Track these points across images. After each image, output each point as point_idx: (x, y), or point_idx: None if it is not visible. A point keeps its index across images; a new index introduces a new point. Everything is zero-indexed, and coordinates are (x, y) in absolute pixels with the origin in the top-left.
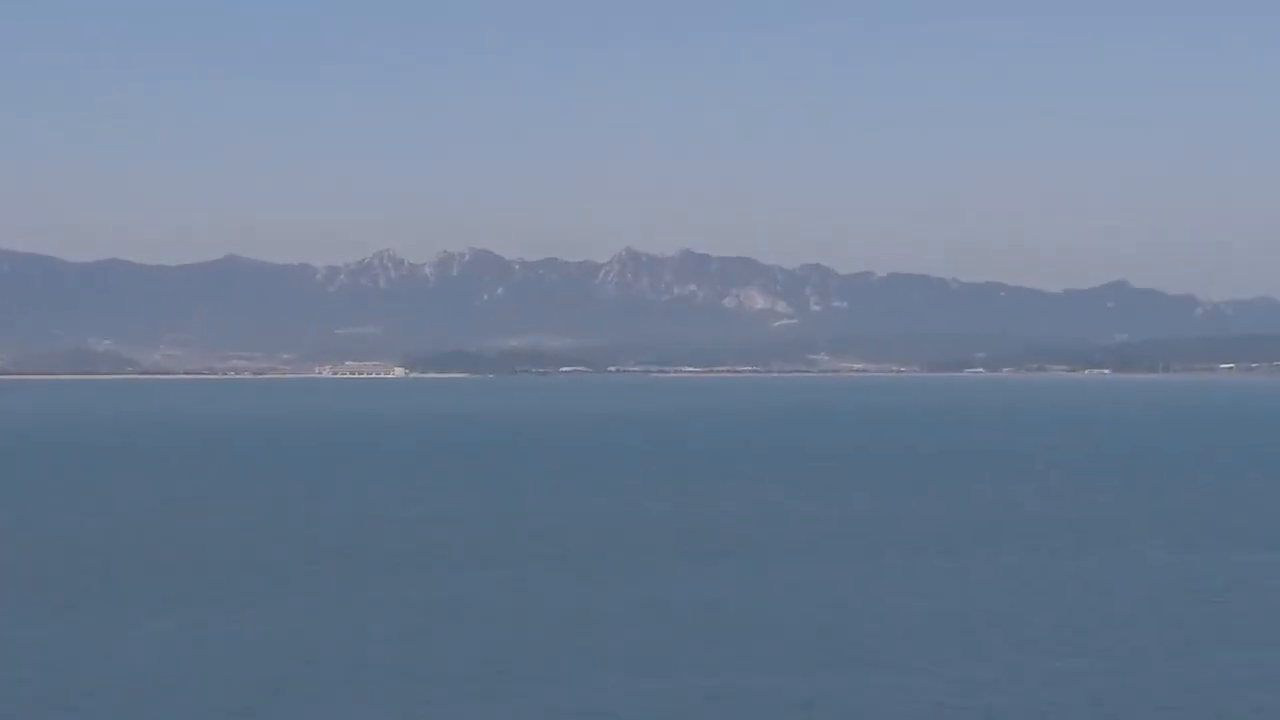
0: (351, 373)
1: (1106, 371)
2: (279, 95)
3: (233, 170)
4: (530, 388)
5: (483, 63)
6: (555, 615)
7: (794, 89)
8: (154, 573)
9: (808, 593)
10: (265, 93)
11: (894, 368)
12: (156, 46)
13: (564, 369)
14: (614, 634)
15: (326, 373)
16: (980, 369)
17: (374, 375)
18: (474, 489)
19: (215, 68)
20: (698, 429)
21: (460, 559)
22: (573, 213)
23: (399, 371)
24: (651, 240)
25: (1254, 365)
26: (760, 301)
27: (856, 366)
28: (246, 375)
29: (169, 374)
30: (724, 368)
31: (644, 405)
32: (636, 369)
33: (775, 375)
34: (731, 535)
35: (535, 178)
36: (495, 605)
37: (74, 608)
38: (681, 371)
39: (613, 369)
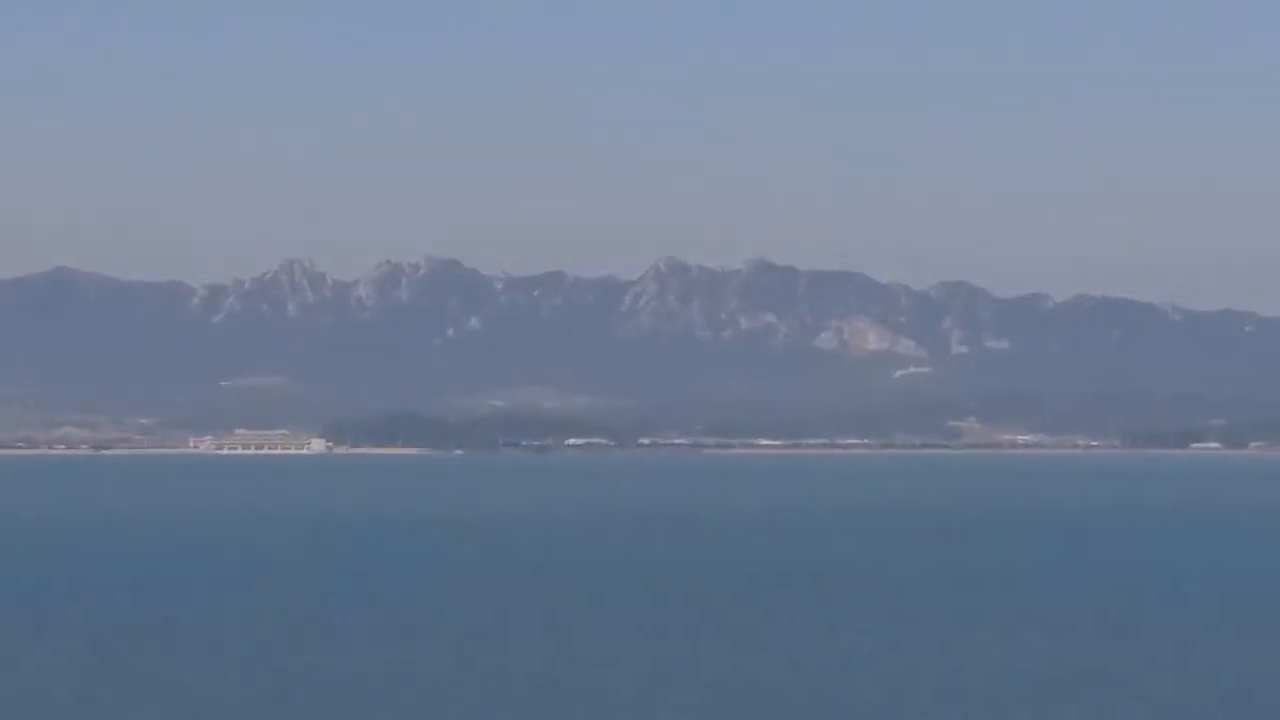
0: (245, 446)
1: None
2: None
3: (64, 145)
4: (519, 472)
5: None
6: None
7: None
8: None
9: None
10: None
11: (1079, 441)
12: None
13: (571, 441)
14: None
15: (206, 446)
16: (1215, 443)
17: (278, 450)
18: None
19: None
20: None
21: None
22: (586, 204)
23: (317, 445)
24: (706, 246)
25: None
26: (874, 339)
27: (1022, 439)
28: (83, 449)
29: None
30: (817, 440)
31: (709, 503)
32: (682, 442)
33: (899, 451)
34: None
35: (526, 151)
36: None
37: None
38: (753, 447)
39: (645, 441)
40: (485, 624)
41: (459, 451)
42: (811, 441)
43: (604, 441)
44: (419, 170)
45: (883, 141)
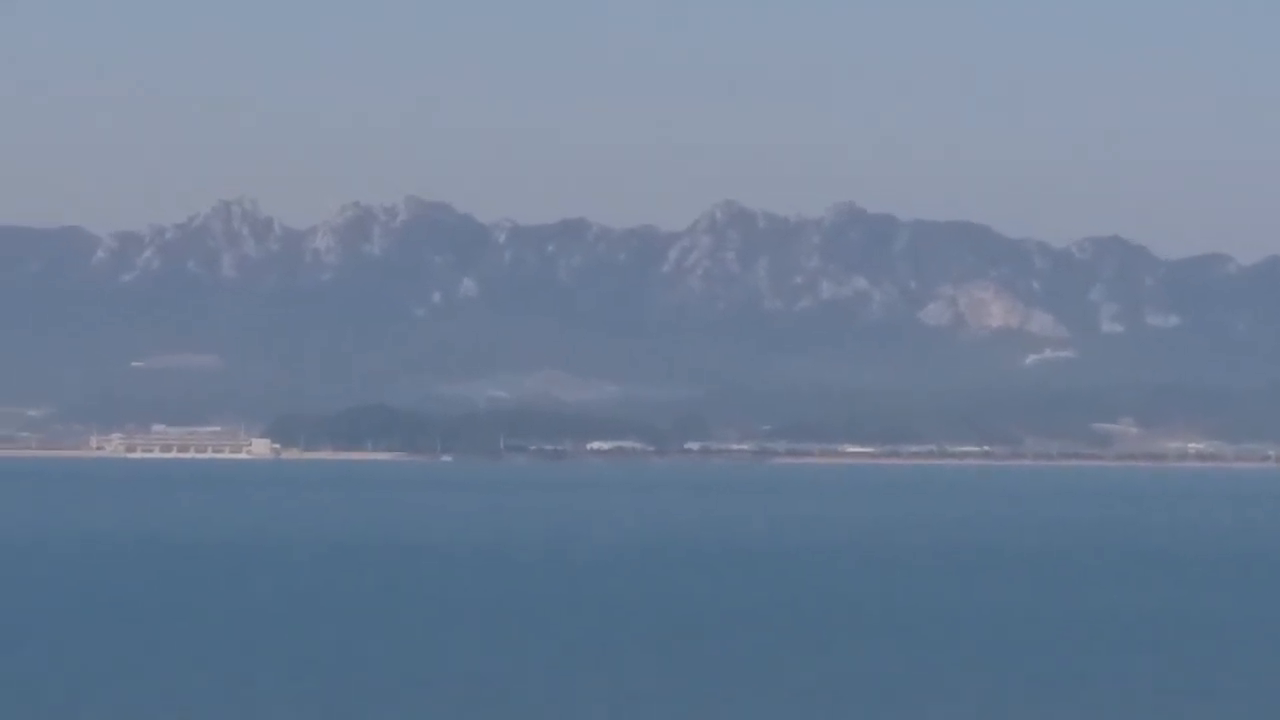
0: (165, 448)
1: None
2: None
3: None
4: (527, 485)
5: None
6: None
7: None
8: None
9: None
10: None
11: (1270, 452)
12: None
13: (596, 445)
14: None
15: (114, 447)
16: None
17: (209, 453)
18: None
19: None
20: None
21: None
22: (617, 131)
23: (260, 447)
24: (776, 186)
25: None
26: (999, 312)
27: (1194, 447)
28: None
29: None
30: (922, 448)
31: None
32: (744, 448)
33: (1030, 463)
34: None
35: (537, 61)
36: None
37: None
38: (837, 454)
39: (694, 446)
40: None
41: (447, 458)
42: (915, 449)
43: (639, 446)
44: (396, 85)
45: (1006, 53)
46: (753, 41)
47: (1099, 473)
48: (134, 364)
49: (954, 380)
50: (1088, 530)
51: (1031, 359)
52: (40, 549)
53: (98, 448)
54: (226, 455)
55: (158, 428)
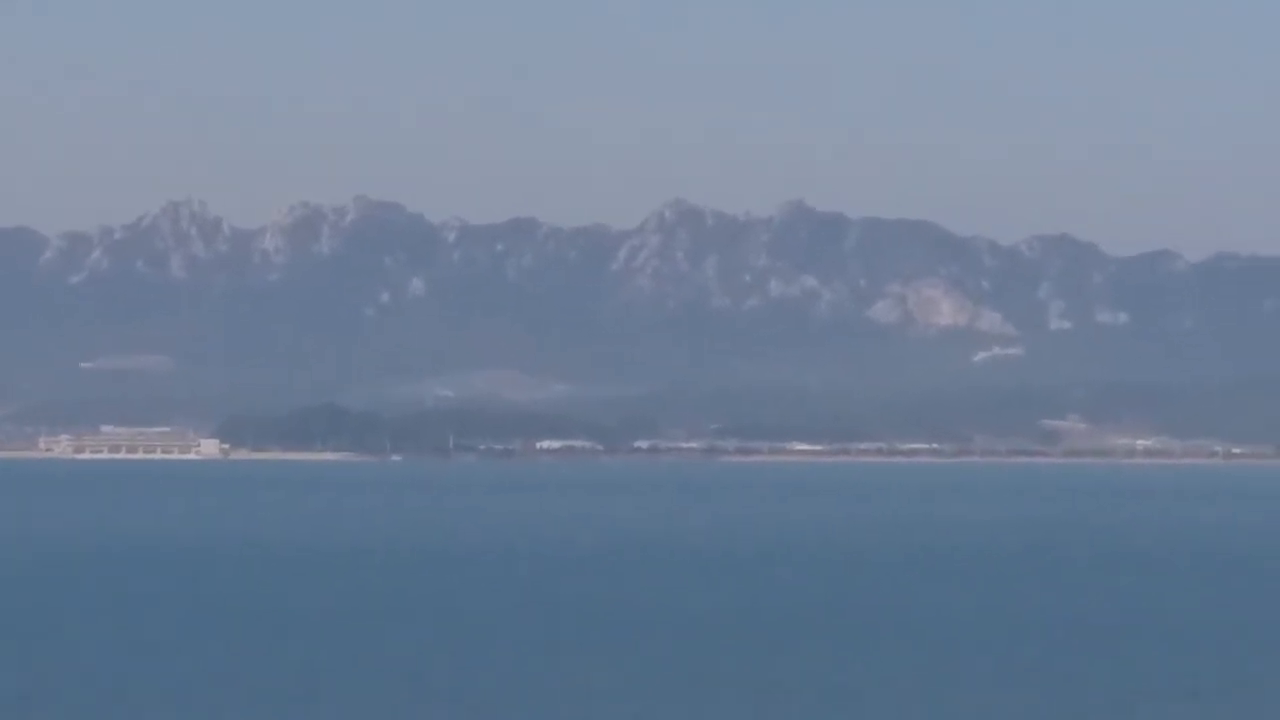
0: (114, 449)
1: None
2: None
3: None
4: (477, 484)
5: None
6: None
7: None
8: None
9: None
10: None
11: (1217, 448)
12: None
13: (546, 444)
14: None
15: (62, 448)
16: None
17: (158, 454)
18: None
19: None
20: None
21: None
22: (566, 128)
23: (209, 447)
24: (725, 187)
25: None
26: (948, 310)
27: (1142, 443)
28: None
29: None
30: (870, 445)
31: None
32: (693, 445)
33: (978, 460)
34: None
35: (489, 56)
36: None
37: None
38: (786, 452)
39: (643, 445)
40: None
41: (396, 457)
42: (864, 446)
43: (588, 445)
44: (345, 82)
45: (954, 52)
46: (701, 40)
47: (1047, 470)
48: (83, 365)
49: (903, 378)
50: (1041, 529)
51: (980, 356)
52: None
53: (46, 449)
54: (175, 456)
55: (106, 428)
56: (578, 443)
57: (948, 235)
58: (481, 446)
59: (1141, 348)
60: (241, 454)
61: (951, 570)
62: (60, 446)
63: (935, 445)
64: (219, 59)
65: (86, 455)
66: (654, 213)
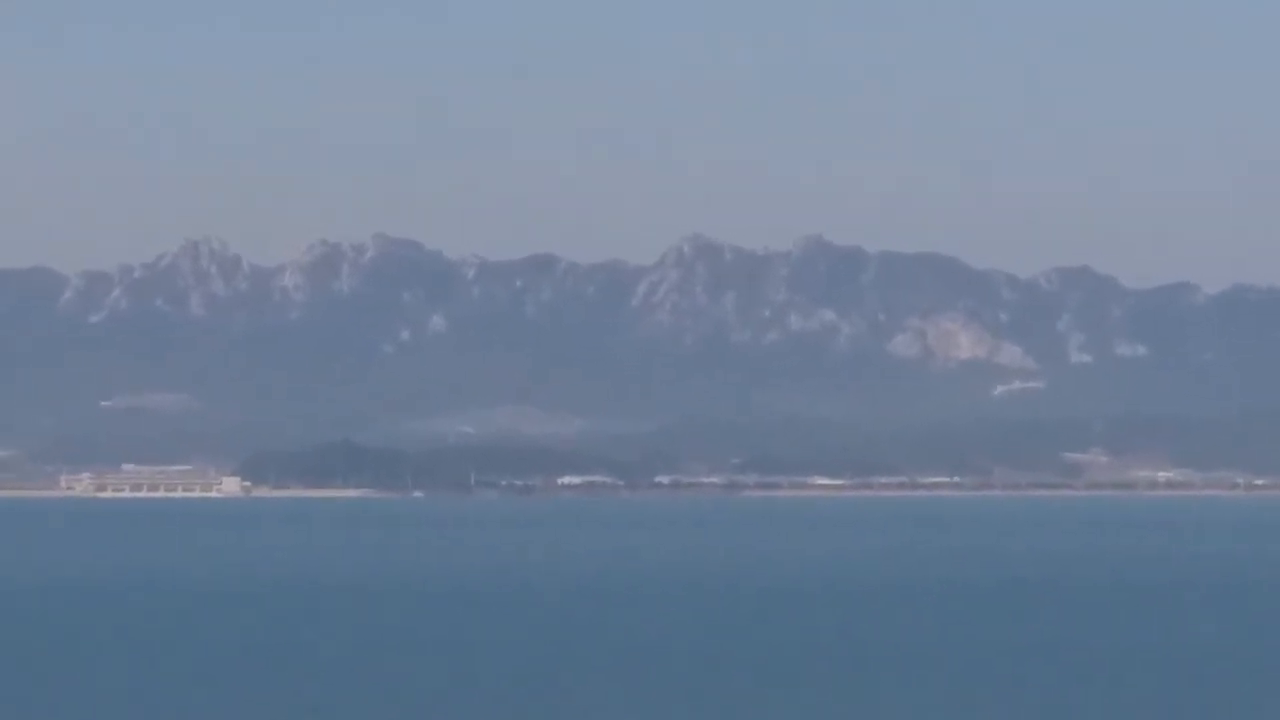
0: (135, 487)
1: None
2: None
3: None
4: (496, 523)
5: None
6: None
7: None
8: None
9: None
10: None
11: (1239, 480)
12: None
13: (566, 480)
14: None
15: (84, 487)
16: None
17: (179, 492)
18: None
19: None
20: None
21: None
22: (584, 166)
23: (230, 485)
24: (743, 222)
25: None
26: (967, 343)
27: (1164, 475)
28: None
29: None
30: (891, 479)
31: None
32: (714, 480)
33: (999, 494)
34: None
35: (505, 95)
36: None
37: None
38: (806, 487)
39: (664, 480)
40: None
41: (418, 493)
42: (884, 480)
43: (609, 480)
44: (363, 121)
45: (972, 85)
46: (717, 75)
47: (1069, 502)
48: (103, 403)
49: (923, 412)
50: (1067, 561)
51: (1000, 390)
52: None
53: (67, 488)
54: (197, 494)
55: (127, 467)
56: (598, 478)
57: (965, 268)
58: (503, 482)
59: (1162, 380)
60: (262, 491)
61: (979, 603)
62: (82, 485)
63: (956, 479)
64: (237, 98)
65: (108, 494)
66: (672, 248)
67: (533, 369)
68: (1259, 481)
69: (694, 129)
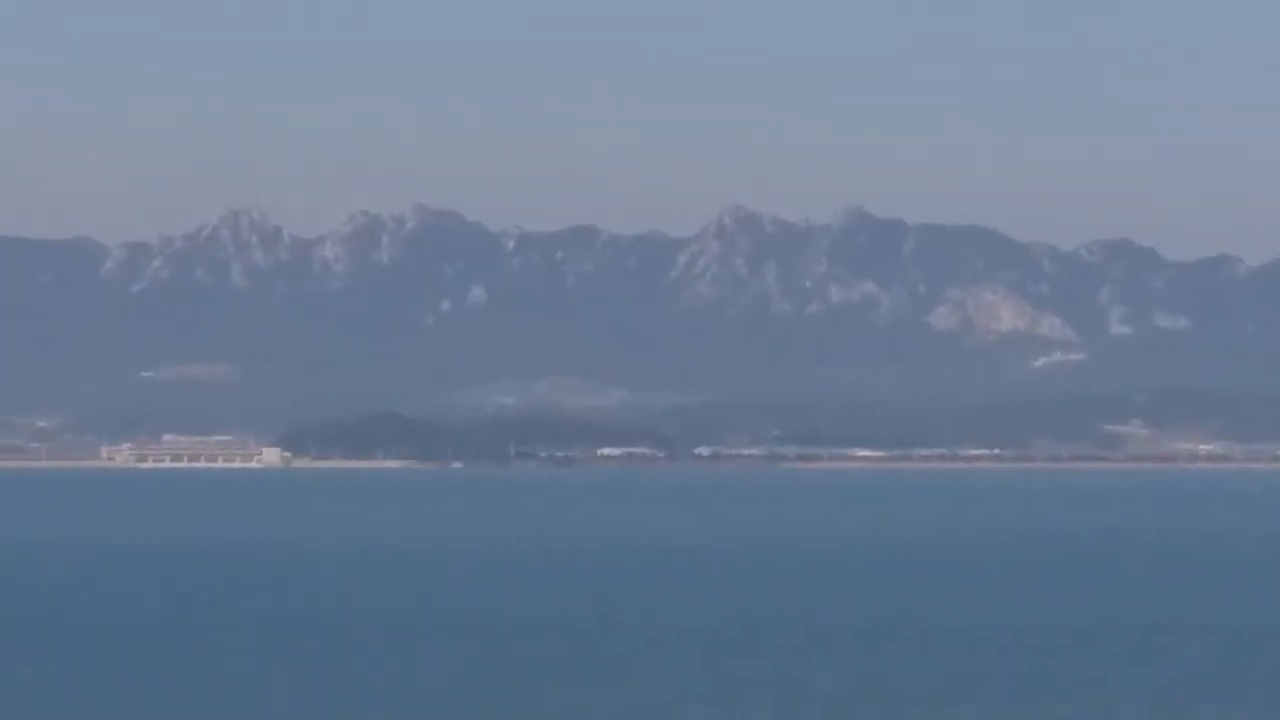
0: (175, 458)
1: None
2: None
3: None
4: (542, 495)
5: None
6: None
7: None
8: None
9: None
10: None
11: (1277, 453)
12: None
13: (606, 451)
14: None
15: (124, 457)
16: None
17: (219, 463)
18: None
19: None
20: None
21: None
22: (625, 137)
23: (270, 456)
24: (784, 194)
25: None
26: (1008, 316)
27: (1204, 448)
28: None
29: None
30: (931, 451)
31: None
32: (754, 453)
33: (1039, 466)
34: None
35: (545, 69)
36: None
37: None
38: (847, 459)
39: (704, 452)
40: None
41: (457, 465)
42: (924, 452)
43: (649, 452)
44: (404, 93)
45: (1014, 56)
46: (759, 46)
47: (1110, 475)
48: (144, 374)
49: (963, 384)
50: (1109, 535)
51: (1041, 361)
52: (34, 559)
53: (108, 458)
54: (237, 464)
55: (168, 437)
56: (638, 450)
57: (1007, 240)
58: (542, 454)
59: (1203, 352)
60: (303, 462)
61: (1021, 575)
62: (122, 455)
63: (997, 451)
64: (279, 69)
65: (149, 464)
66: (713, 219)
67: (573, 341)
68: None
69: (734, 100)
